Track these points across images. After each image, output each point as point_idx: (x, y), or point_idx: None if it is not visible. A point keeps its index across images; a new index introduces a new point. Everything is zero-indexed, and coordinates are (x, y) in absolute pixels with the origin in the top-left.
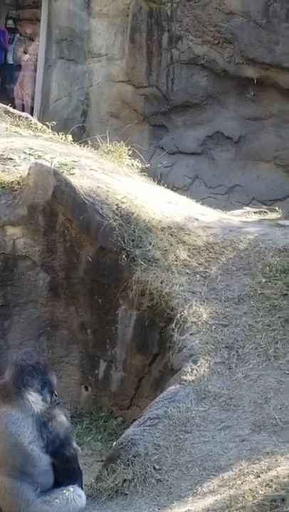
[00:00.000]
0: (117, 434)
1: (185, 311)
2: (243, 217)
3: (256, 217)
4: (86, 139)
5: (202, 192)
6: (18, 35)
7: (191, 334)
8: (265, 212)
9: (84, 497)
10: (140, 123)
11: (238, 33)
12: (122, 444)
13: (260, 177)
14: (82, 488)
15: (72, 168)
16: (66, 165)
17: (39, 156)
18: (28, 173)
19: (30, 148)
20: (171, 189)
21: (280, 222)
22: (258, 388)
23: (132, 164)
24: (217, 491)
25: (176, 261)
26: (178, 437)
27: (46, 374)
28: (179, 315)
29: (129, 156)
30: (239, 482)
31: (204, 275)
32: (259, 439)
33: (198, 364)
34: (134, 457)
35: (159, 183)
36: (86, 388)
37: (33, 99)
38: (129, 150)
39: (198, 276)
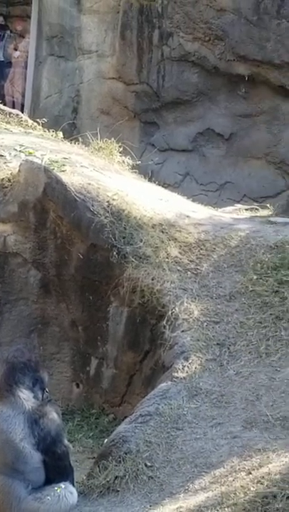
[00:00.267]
0: (109, 431)
1: (176, 308)
2: (234, 214)
3: (247, 214)
4: (77, 136)
5: (193, 189)
6: (8, 32)
7: (183, 331)
8: (256, 209)
9: (75, 494)
10: (131, 120)
11: (229, 30)
12: (113, 441)
13: (252, 174)
14: (73, 485)
15: (63, 165)
16: (57, 162)
17: (30, 153)
18: (19, 170)
19: (21, 145)
20: (162, 186)
21: (272, 219)
22: (249, 385)
23: (123, 161)
24: (208, 487)
25: (167, 258)
26: (169, 434)
27: (38, 371)
28: (170, 312)
29: (120, 153)
30: (231, 479)
31: (195, 272)
32: (250, 436)
33: (190, 361)
34: (126, 454)
35: (150, 180)
36: (77, 385)
37: (23, 96)
38: (120, 147)
39: (189, 273)
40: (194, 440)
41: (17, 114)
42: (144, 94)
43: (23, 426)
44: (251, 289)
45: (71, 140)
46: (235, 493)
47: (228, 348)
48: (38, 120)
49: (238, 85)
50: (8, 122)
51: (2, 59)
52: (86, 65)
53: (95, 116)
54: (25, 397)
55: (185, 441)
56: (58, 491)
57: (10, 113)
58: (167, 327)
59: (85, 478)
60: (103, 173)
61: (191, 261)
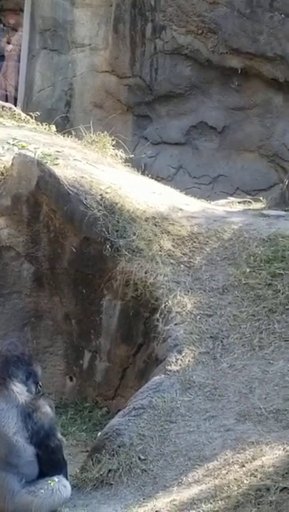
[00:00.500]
0: (102, 425)
1: (169, 301)
2: (227, 207)
3: (240, 207)
4: (70, 130)
5: (186, 182)
6: (1, 25)
7: (176, 324)
8: (249, 202)
9: (69, 487)
10: (124, 113)
11: (221, 23)
12: (106, 435)
13: (244, 167)
14: (67, 478)
15: (56, 158)
16: (50, 155)
17: (23, 147)
18: (12, 164)
19: (14, 139)
20: (155, 179)
21: (264, 212)
22: (242, 378)
23: (116, 154)
24: (202, 480)
25: (160, 251)
26: (163, 427)
27: (31, 365)
28: (163, 305)
29: (113, 146)
30: (224, 472)
31: (188, 265)
32: (244, 429)
33: (183, 354)
34: (119, 447)
35: (143, 173)
36: (71, 379)
37: (16, 89)
38: (113, 140)
39: (182, 266)
40: (188, 433)
41: (10, 108)
42: (137, 88)
43: (17, 419)
44: (244, 281)
45: (64, 133)
46: (228, 486)
47: (222, 341)
48: (31, 113)
49: (231, 78)
50: (0, 116)
51: None
52: (79, 59)
53: (88, 109)
54: (19, 390)
55: (178, 434)
56: (52, 484)
57: (3, 106)
58: (160, 320)
59: (78, 471)
60: (96, 167)
61: (184, 254)
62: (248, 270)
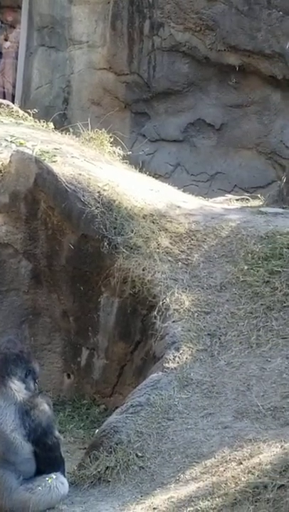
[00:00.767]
0: (100, 422)
1: (167, 299)
2: (225, 204)
3: (238, 204)
4: (67, 127)
5: (184, 179)
6: None
7: (174, 322)
8: (247, 199)
9: (66, 484)
10: (122, 110)
11: (219, 20)
12: (104, 432)
13: (242, 164)
14: (64, 475)
15: (54, 155)
16: (48, 152)
17: (21, 144)
18: (10, 161)
19: (12, 136)
20: (153, 176)
21: (262, 209)
22: (240, 375)
23: (114, 152)
24: (200, 478)
25: (158, 248)
26: (160, 424)
27: (30, 362)
28: (161, 302)
29: (111, 143)
30: (222, 469)
31: (186, 262)
32: (241, 426)
33: (181, 351)
34: (117, 444)
35: (140, 170)
36: (68, 376)
37: (14, 86)
38: (110, 137)
39: (180, 263)
40: (185, 430)
41: (8, 105)
42: (135, 85)
43: (14, 417)
44: (242, 279)
45: (62, 130)
46: (226, 484)
47: (219, 339)
48: (28, 111)
49: (229, 75)
50: None
51: None
52: (77, 56)
53: (85, 106)
54: (17, 388)
55: (176, 432)
56: (49, 481)
57: (1, 103)
58: (158, 317)
59: (76, 468)
60: (94, 164)
61: (181, 251)
62: (245, 267)
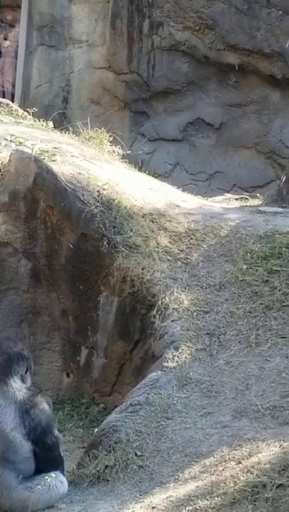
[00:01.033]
0: (99, 421)
1: (166, 298)
2: (224, 203)
3: (237, 203)
4: (67, 126)
5: (183, 178)
6: None
7: (173, 321)
8: (246, 198)
9: (66, 483)
10: (121, 109)
11: (219, 19)
12: (103, 431)
13: (241, 163)
14: (63, 474)
15: (54, 154)
16: (47, 151)
17: (20, 143)
18: (9, 160)
19: (11, 135)
20: (152, 176)
21: (261, 208)
22: (239, 375)
23: (113, 151)
24: (198, 477)
25: (157, 247)
26: (159, 424)
27: (28, 359)
28: (160, 301)
29: (110, 142)
30: (220, 468)
31: (185, 262)
32: (240, 426)
33: (180, 351)
34: (116, 443)
35: (140, 169)
36: (68, 375)
37: (13, 85)
38: (110, 136)
39: (179, 262)
40: (184, 430)
41: (7, 104)
42: (134, 84)
43: (14, 416)
44: (241, 278)
45: (61, 130)
46: (225, 483)
47: (218, 338)
48: (28, 110)
49: (228, 75)
50: None
51: None
52: (76, 55)
53: (85, 105)
54: (18, 387)
55: (175, 431)
56: (49, 480)
57: (0, 103)
58: (157, 317)
59: (75, 467)
60: (93, 163)
61: (181, 250)
62: (244, 267)
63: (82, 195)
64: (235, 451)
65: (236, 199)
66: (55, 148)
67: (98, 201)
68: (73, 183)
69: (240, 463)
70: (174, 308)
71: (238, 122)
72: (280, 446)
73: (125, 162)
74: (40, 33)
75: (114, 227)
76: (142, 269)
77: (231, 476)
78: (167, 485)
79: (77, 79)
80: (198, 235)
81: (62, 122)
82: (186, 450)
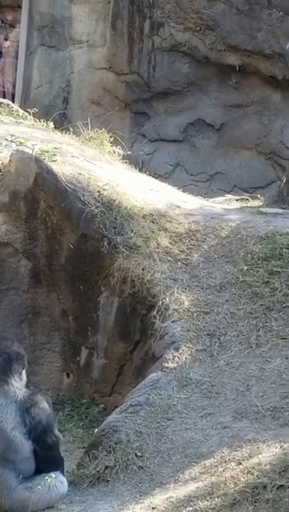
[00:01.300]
0: (99, 421)
1: (167, 299)
2: (225, 204)
3: (238, 204)
4: (67, 126)
5: (183, 179)
6: None
7: (173, 321)
8: (246, 199)
9: (66, 483)
10: (121, 110)
11: (220, 20)
12: (103, 431)
13: (242, 164)
14: (63, 474)
15: (54, 155)
16: (48, 152)
17: (21, 143)
18: (10, 160)
19: (12, 135)
20: (153, 176)
21: (262, 209)
22: (239, 376)
23: (114, 151)
24: (199, 478)
25: (157, 248)
26: (160, 424)
27: (25, 356)
28: (160, 302)
29: (111, 143)
30: (221, 469)
31: (186, 262)
32: (241, 427)
33: (180, 351)
34: (116, 444)
35: (140, 170)
36: (68, 375)
37: (14, 86)
38: (110, 137)
39: (179, 263)
40: (184, 430)
41: (8, 104)
42: (135, 85)
43: (15, 415)
44: (242, 279)
45: (62, 130)
46: (225, 484)
47: (219, 339)
48: (28, 110)
49: (229, 75)
50: None
51: None
52: (77, 55)
53: (85, 106)
54: (18, 386)
55: (175, 432)
56: (49, 480)
57: (1, 103)
58: (158, 317)
59: (75, 467)
60: (94, 163)
61: (181, 251)
62: (245, 268)
63: (83, 195)
64: (235, 452)
65: (237, 200)
66: (55, 148)
67: (99, 202)
68: (74, 184)
69: (241, 464)
70: (174, 309)
71: (239, 123)
72: (280, 447)
73: (126, 163)
74: (41, 34)
75: (114, 227)
76: (143, 269)
77: (232, 476)
78: (167, 486)
79: (77, 79)
80: (199, 236)
81: (62, 123)
82: (186, 451)
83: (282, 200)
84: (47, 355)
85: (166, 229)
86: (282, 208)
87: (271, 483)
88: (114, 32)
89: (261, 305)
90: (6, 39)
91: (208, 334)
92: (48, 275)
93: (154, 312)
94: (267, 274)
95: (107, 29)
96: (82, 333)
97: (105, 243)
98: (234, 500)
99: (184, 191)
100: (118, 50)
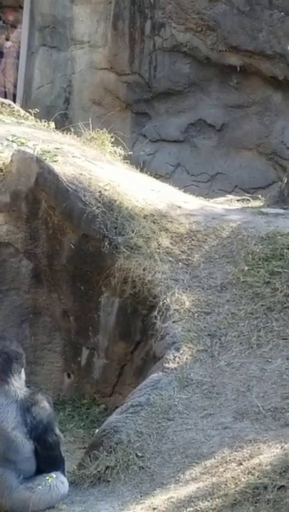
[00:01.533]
0: (100, 422)
1: (168, 299)
2: (226, 204)
3: (239, 205)
4: (69, 126)
5: (184, 180)
6: (0, 22)
7: (174, 322)
8: (247, 200)
9: (66, 484)
10: (123, 110)
11: (221, 20)
12: (104, 431)
13: (243, 165)
14: (64, 474)
15: (55, 155)
16: (49, 152)
17: (22, 143)
18: (11, 160)
19: (13, 135)
20: (154, 177)
21: (263, 210)
22: (240, 376)
23: (115, 151)
24: (199, 478)
25: (158, 248)
26: (160, 425)
27: (23, 355)
28: (161, 302)
29: (112, 143)
30: (221, 470)
31: (187, 263)
32: (241, 427)
33: (181, 352)
34: (117, 444)
35: (141, 170)
36: (69, 375)
37: (15, 86)
38: (111, 137)
39: (180, 263)
40: (185, 431)
41: (9, 104)
42: (136, 85)
43: (16, 414)
44: (243, 279)
45: (63, 130)
46: (226, 484)
47: (220, 339)
48: (30, 110)
49: (230, 76)
50: (0, 112)
51: None
52: (78, 56)
53: (86, 106)
54: (18, 385)
55: (176, 432)
56: (49, 480)
57: (2, 103)
58: (158, 318)
59: (76, 468)
60: (95, 164)
61: (182, 251)
62: (246, 268)
63: (84, 195)
64: (236, 453)
65: (238, 200)
66: (56, 148)
67: (100, 202)
68: (75, 184)
69: (242, 464)
70: (175, 309)
71: (240, 123)
72: (281, 448)
73: (127, 163)
74: (42, 34)
75: (115, 227)
76: (143, 270)
77: (232, 477)
78: (168, 486)
79: (78, 80)
80: (200, 236)
81: (63, 123)
82: (187, 451)
83: (283, 201)
84: (48, 355)
85: (167, 229)
86: (283, 209)
87: (272, 484)
88: (116, 32)
89: (262, 305)
90: (7, 39)
91: (209, 334)
92: (49, 275)
93: (155, 312)
94: (268, 274)
95: (109, 29)
96: (83, 333)
97: (106, 243)
98: (235, 500)
99: (184, 192)
100: (119, 51)
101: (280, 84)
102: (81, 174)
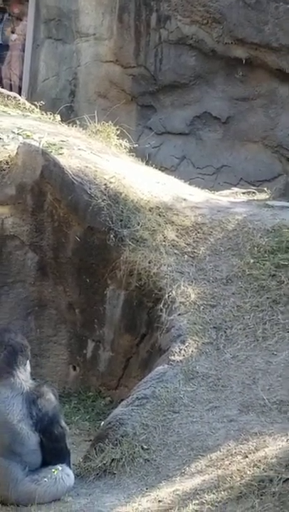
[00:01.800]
0: (105, 414)
1: (173, 292)
2: (231, 197)
3: (244, 197)
4: (74, 119)
5: (190, 172)
6: (6, 14)
7: (179, 314)
8: (253, 192)
9: (72, 476)
10: (128, 103)
11: (226, 13)
12: (110, 424)
13: (248, 157)
14: (70, 467)
15: (61, 147)
16: (54, 145)
17: (27, 136)
18: (17, 153)
19: (19, 128)
20: (159, 169)
21: (269, 202)
22: (246, 369)
23: (120, 144)
24: (205, 471)
25: (164, 241)
26: (166, 417)
27: (28, 347)
28: (167, 295)
29: (117, 136)
30: (227, 462)
31: (192, 255)
32: (247, 420)
33: (186, 344)
34: (122, 437)
35: (147, 163)
36: (74, 368)
37: (21, 79)
38: (117, 130)
39: (186, 256)
40: (191, 423)
41: (15, 97)
42: (142, 78)
43: (21, 407)
44: (248, 272)
45: (69, 123)
46: (231, 477)
47: (225, 332)
48: (35, 103)
49: (236, 68)
50: (6, 105)
51: (0, 42)
52: (83, 48)
53: (92, 99)
54: (24, 377)
55: (181, 425)
56: (55, 473)
57: (8, 96)
58: (164, 310)
59: (81, 460)
60: (100, 156)
61: (188, 244)
62: (251, 261)
63: (89, 188)
64: (241, 446)
65: (243, 193)
66: (62, 141)
67: (105, 194)
68: (80, 177)
69: (247, 457)
70: (180, 302)
71: (245, 116)
72: (286, 441)
73: (132, 155)
74: (48, 27)
75: (121, 220)
76: (149, 262)
77: (238, 470)
78: (173, 479)
79: (84, 72)
80: (205, 229)
81: (69, 115)
82: (192, 444)
83: None
84: (53, 347)
85: (172, 222)
86: None
87: (277, 477)
88: (121, 25)
89: (267, 298)
90: (12, 32)
91: (214, 327)
92: (54, 268)
93: (161, 305)
94: (273, 267)
95: (114, 22)
96: (89, 326)
97: (112, 236)
98: (240, 493)
99: (190, 184)
100: (125, 43)
101: (286, 76)
102: (87, 167)
